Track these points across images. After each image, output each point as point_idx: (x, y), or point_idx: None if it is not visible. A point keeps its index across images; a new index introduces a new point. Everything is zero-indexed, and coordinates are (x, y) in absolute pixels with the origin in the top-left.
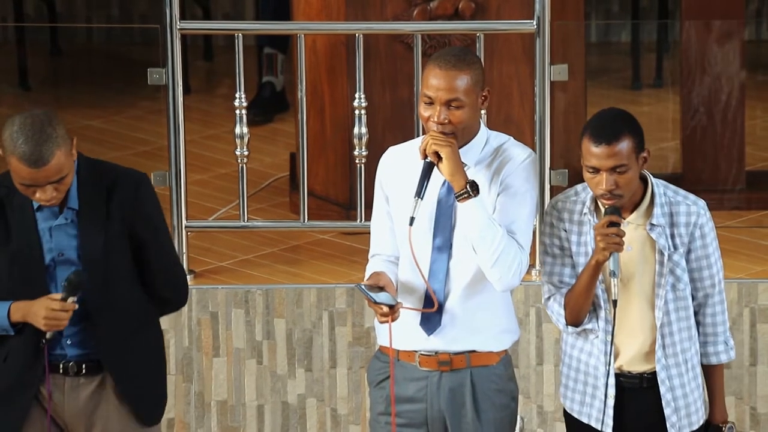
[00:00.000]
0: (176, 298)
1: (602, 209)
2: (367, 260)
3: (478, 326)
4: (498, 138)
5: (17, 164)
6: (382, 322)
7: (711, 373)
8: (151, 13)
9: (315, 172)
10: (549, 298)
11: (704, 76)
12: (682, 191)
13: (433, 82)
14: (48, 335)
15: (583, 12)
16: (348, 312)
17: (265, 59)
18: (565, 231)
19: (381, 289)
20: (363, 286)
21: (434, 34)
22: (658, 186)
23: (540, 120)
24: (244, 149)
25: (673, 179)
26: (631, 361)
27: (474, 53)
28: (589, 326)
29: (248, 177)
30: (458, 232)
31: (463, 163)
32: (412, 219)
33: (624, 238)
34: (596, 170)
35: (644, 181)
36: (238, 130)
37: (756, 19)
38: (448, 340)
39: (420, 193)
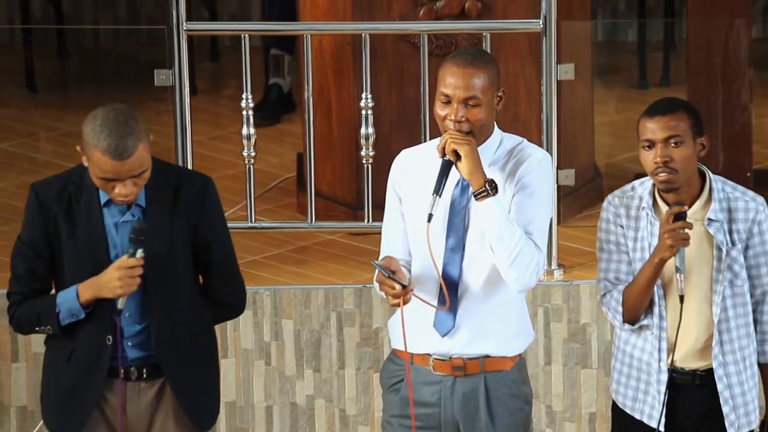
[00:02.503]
0: (236, 304)
1: (660, 204)
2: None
3: (492, 329)
4: (512, 140)
5: (101, 157)
6: (393, 305)
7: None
8: (158, 14)
9: (322, 173)
10: (605, 294)
11: (711, 74)
12: (740, 187)
13: (450, 80)
14: (120, 304)
15: (589, 11)
16: (356, 313)
17: (272, 61)
18: (622, 227)
19: (393, 273)
20: (378, 263)
21: (441, 33)
22: (716, 181)
23: (547, 119)
24: (251, 150)
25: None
26: (684, 357)
27: (489, 53)
28: (645, 322)
29: (255, 178)
30: (472, 233)
31: None
32: (430, 216)
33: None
34: (651, 144)
35: (702, 176)
36: (245, 130)
37: (763, 17)
38: (462, 343)
39: (438, 190)
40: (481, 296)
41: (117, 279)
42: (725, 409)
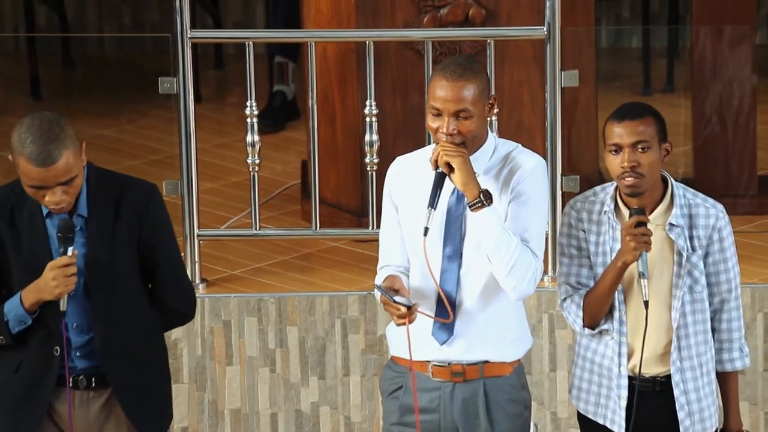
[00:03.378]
0: (185, 311)
1: (622, 209)
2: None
3: (490, 335)
4: (506, 145)
5: (26, 165)
6: (399, 324)
7: (726, 380)
8: (162, 22)
9: (326, 180)
10: (566, 299)
11: (715, 81)
12: (701, 195)
13: (440, 93)
14: (62, 305)
15: (593, 17)
16: (361, 319)
17: (276, 68)
18: (584, 231)
19: (396, 292)
20: (381, 287)
21: (445, 40)
22: (678, 187)
23: (551, 126)
24: (256, 157)
25: (685, 184)
26: (644, 363)
27: (478, 61)
28: (605, 327)
29: (260, 185)
30: (468, 241)
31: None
32: (426, 229)
33: None
34: (618, 148)
35: (664, 182)
36: (249, 138)
37: (767, 23)
38: (461, 350)
39: (433, 203)
40: (480, 303)
41: (52, 279)
42: (680, 415)
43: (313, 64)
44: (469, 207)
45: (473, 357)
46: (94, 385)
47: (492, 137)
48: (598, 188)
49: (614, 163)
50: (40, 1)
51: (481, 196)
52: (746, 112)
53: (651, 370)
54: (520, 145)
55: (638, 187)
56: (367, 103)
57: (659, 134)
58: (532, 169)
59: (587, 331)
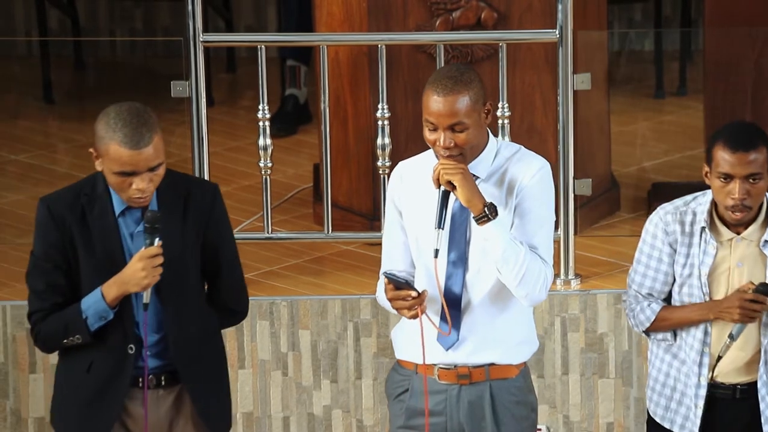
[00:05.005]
0: (241, 310)
1: (719, 226)
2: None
3: (496, 338)
4: (509, 148)
5: (117, 149)
6: (411, 316)
7: None
8: (174, 25)
9: (338, 183)
10: (634, 303)
11: (728, 84)
12: None
13: (433, 108)
14: (145, 297)
15: (605, 21)
16: (373, 323)
17: (288, 71)
18: (670, 245)
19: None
20: (390, 273)
21: (457, 44)
22: None
23: (563, 129)
24: (268, 161)
25: (699, 188)
26: (726, 372)
27: (470, 68)
28: (667, 337)
29: (272, 188)
30: (474, 245)
31: (475, 175)
32: (436, 251)
33: (737, 253)
34: (729, 178)
35: None
36: (261, 141)
37: None
38: (467, 353)
39: (440, 224)
40: (485, 308)
41: (141, 270)
42: (766, 428)
43: (325, 67)
44: (475, 221)
45: (479, 360)
46: (163, 383)
47: (493, 140)
48: (688, 197)
49: (722, 191)
50: (53, 5)
51: (486, 210)
52: (760, 115)
53: (732, 378)
54: (522, 147)
55: (744, 219)
56: (379, 106)
57: None
58: (536, 173)
59: (644, 335)
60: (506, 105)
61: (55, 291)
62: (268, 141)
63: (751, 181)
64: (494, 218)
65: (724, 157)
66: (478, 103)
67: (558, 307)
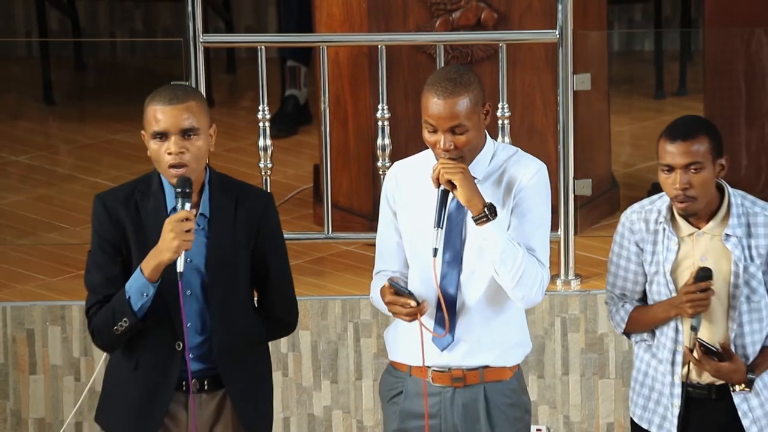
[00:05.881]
0: (290, 321)
1: (679, 220)
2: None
3: (491, 341)
4: (506, 150)
5: (153, 109)
6: (410, 320)
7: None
8: (174, 26)
9: (339, 184)
10: (611, 304)
11: (728, 84)
12: (760, 202)
13: (433, 110)
14: (179, 266)
15: (605, 21)
16: (373, 323)
17: (288, 72)
18: (637, 244)
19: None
20: (395, 283)
21: (457, 44)
22: (735, 196)
23: (563, 129)
24: (268, 161)
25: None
26: (702, 372)
27: (469, 70)
28: (645, 338)
29: (272, 189)
30: (469, 246)
31: (473, 177)
32: (435, 250)
33: (699, 248)
34: (671, 169)
35: (721, 191)
36: (261, 142)
37: None
38: (461, 355)
39: (440, 223)
40: (480, 309)
41: (170, 231)
42: (745, 422)
43: (325, 68)
44: (474, 221)
45: (473, 362)
46: (206, 387)
47: (491, 142)
48: (655, 196)
49: (666, 182)
50: (53, 6)
51: (486, 210)
52: (761, 116)
53: (708, 378)
54: (519, 149)
55: (690, 209)
56: (380, 106)
57: (713, 152)
58: (533, 175)
59: (624, 336)
60: (506, 105)
61: (110, 283)
62: (268, 142)
63: (692, 171)
64: (494, 218)
65: (665, 149)
66: (477, 104)
67: (558, 307)
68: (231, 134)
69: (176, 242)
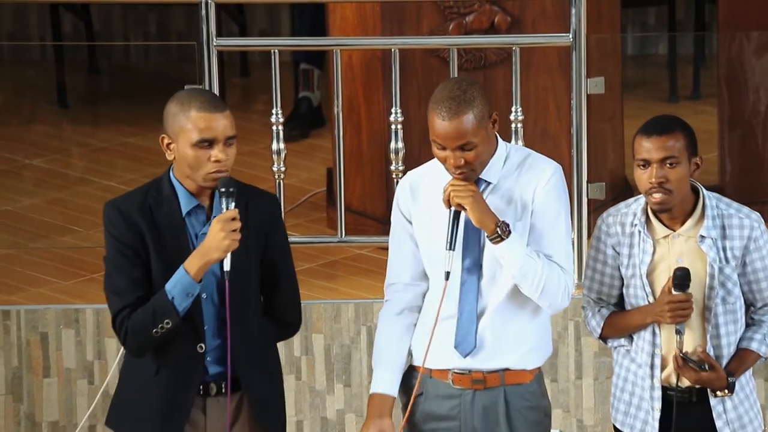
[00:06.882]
0: (295, 322)
1: (654, 222)
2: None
3: (511, 344)
4: (519, 152)
5: (197, 115)
6: None
7: (743, 356)
8: (188, 30)
9: (352, 188)
10: (587, 309)
11: (742, 88)
12: (735, 204)
13: (440, 131)
14: (226, 265)
15: (619, 25)
16: None
17: (301, 75)
18: (613, 248)
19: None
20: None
21: (470, 48)
22: (710, 198)
23: (576, 133)
24: (281, 165)
25: (711, 191)
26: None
27: (472, 83)
28: (622, 343)
29: (285, 193)
30: (488, 252)
31: (487, 181)
32: (447, 273)
33: (675, 250)
34: (646, 164)
35: (696, 193)
36: (274, 146)
37: None
38: (482, 358)
39: (452, 245)
40: (500, 314)
41: (220, 231)
42: (718, 424)
43: (338, 71)
44: (489, 241)
45: (494, 365)
46: (223, 391)
47: (503, 145)
48: (631, 200)
49: (642, 178)
50: (67, 10)
51: (499, 230)
52: None
53: (687, 381)
54: (532, 151)
55: (666, 203)
56: (393, 110)
57: (689, 149)
58: (550, 178)
59: (601, 341)
60: (519, 109)
61: (137, 285)
62: (282, 145)
63: (668, 165)
64: (507, 237)
65: (641, 144)
66: (483, 119)
67: (572, 311)
68: (244, 138)
69: (227, 242)
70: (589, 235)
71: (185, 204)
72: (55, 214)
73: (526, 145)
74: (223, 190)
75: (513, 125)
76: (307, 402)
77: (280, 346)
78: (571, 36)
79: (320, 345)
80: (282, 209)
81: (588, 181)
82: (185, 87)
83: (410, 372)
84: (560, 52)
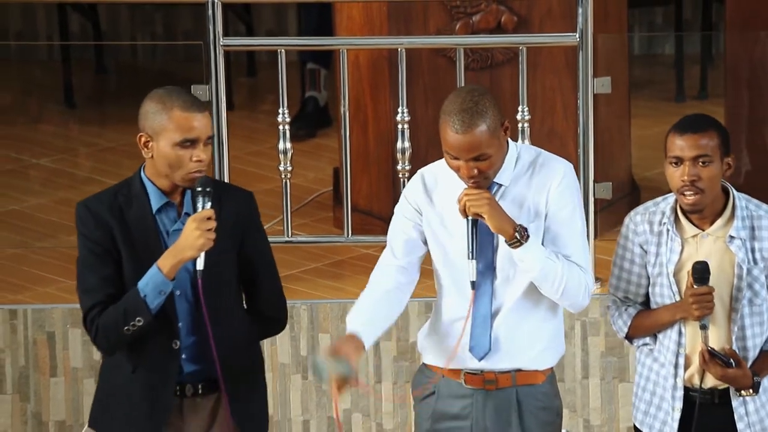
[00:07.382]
0: (280, 317)
1: (683, 221)
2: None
3: (524, 345)
4: (529, 151)
5: (181, 114)
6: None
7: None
8: (195, 30)
9: (358, 187)
10: (613, 308)
11: (749, 88)
12: (765, 205)
13: (453, 144)
14: (200, 264)
15: (626, 24)
16: (393, 327)
17: (308, 74)
18: (641, 246)
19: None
20: (319, 361)
21: (477, 47)
22: (740, 199)
23: (583, 132)
24: (288, 165)
25: None
26: (705, 376)
27: (483, 93)
28: (647, 341)
29: (292, 192)
30: (501, 254)
31: (500, 184)
32: (473, 283)
33: (703, 250)
34: (679, 161)
35: (726, 193)
36: (281, 145)
37: None
38: (494, 359)
39: (473, 254)
40: (514, 314)
41: (195, 229)
42: (740, 426)
43: (345, 71)
44: (508, 245)
45: (506, 365)
46: (200, 391)
47: (513, 145)
48: (659, 198)
49: (674, 175)
50: (74, 10)
51: (517, 235)
52: None
53: (711, 381)
54: (543, 150)
55: (698, 204)
56: (399, 110)
57: (722, 148)
58: (562, 179)
59: (627, 342)
60: (526, 109)
61: (108, 282)
62: (288, 145)
63: (701, 164)
64: (526, 241)
65: (674, 142)
66: (496, 129)
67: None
68: (251, 137)
69: (201, 240)
70: (597, 235)
71: (155, 201)
72: (62, 213)
73: (533, 144)
74: (200, 189)
75: (520, 125)
76: (313, 401)
77: (286, 345)
78: (578, 36)
79: (327, 344)
80: (256, 204)
81: (595, 181)
82: (162, 87)
83: (422, 370)
84: (567, 52)
